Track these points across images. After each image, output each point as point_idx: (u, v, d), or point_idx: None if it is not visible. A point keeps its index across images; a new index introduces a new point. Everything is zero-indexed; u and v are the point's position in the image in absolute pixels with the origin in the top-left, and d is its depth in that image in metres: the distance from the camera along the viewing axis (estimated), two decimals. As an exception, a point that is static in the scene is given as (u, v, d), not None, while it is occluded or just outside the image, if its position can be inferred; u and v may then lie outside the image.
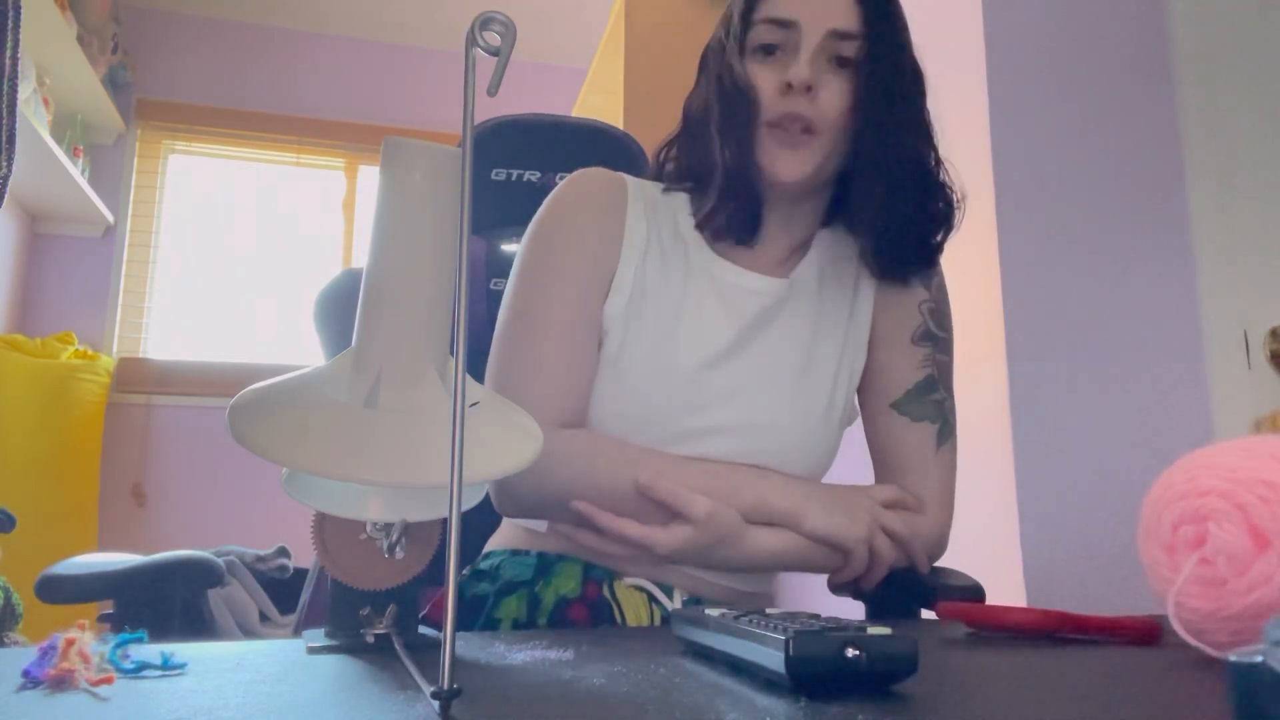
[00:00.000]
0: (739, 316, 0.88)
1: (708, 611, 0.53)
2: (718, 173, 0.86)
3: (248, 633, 1.71)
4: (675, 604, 0.83)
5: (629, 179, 0.93)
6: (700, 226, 0.90)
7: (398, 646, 0.53)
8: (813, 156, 0.83)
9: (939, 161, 0.90)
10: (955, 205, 0.90)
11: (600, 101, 2.87)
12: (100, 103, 3.03)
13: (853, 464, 0.95)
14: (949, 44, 1.78)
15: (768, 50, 0.84)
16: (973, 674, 0.50)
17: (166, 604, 0.95)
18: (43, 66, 2.70)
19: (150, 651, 0.48)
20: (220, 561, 1.04)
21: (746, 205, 0.87)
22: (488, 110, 0.98)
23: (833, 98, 0.82)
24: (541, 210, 0.90)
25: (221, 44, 3.46)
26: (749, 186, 0.86)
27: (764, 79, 0.83)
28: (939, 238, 0.91)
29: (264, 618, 1.79)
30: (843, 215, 0.92)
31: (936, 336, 0.94)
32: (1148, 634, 0.61)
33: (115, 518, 2.98)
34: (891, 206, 0.85)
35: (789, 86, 0.81)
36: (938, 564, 0.91)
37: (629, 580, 0.83)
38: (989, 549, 1.56)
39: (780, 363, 0.89)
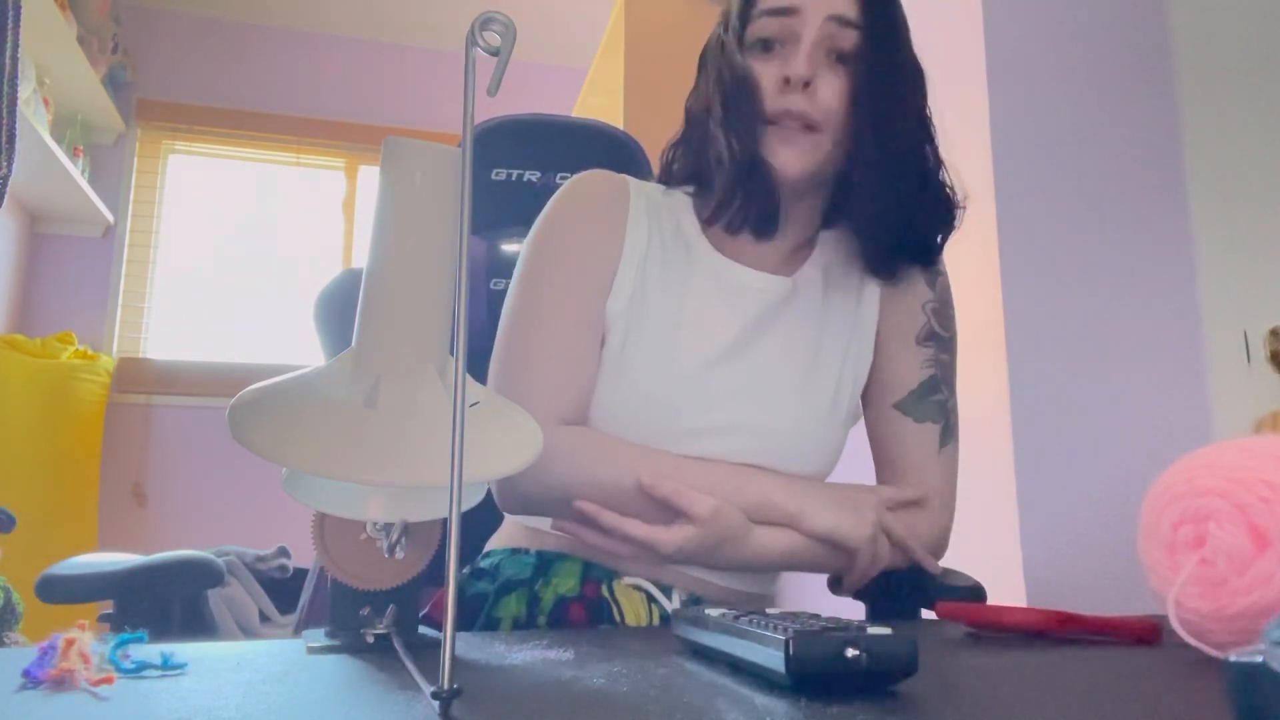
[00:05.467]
0: (742, 315, 0.88)
1: (708, 611, 0.53)
2: (726, 167, 0.84)
3: (248, 633, 1.71)
4: (674, 604, 0.83)
5: (630, 180, 0.93)
6: (711, 221, 0.89)
7: (398, 646, 0.53)
8: (814, 151, 0.83)
9: (939, 162, 0.89)
10: (956, 206, 0.90)
11: (600, 101, 2.87)
12: (100, 103, 3.03)
13: (853, 463, 0.95)
14: (949, 44, 1.78)
15: (767, 45, 0.84)
16: (973, 674, 0.50)
17: (166, 604, 0.95)
18: (43, 66, 2.70)
19: (150, 651, 0.48)
20: (220, 561, 1.04)
21: (763, 197, 0.85)
22: (488, 110, 0.98)
23: (831, 93, 0.82)
24: (544, 211, 0.90)
25: (221, 44, 3.46)
26: (763, 179, 0.84)
27: (764, 73, 0.83)
28: (939, 238, 0.91)
29: (264, 618, 1.79)
30: (843, 215, 0.92)
31: (940, 336, 0.94)
32: (1148, 634, 0.61)
33: (115, 518, 2.98)
34: (888, 204, 0.85)
35: (787, 82, 0.81)
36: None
37: (628, 580, 0.83)
38: (989, 549, 1.56)
39: (784, 362, 0.89)
